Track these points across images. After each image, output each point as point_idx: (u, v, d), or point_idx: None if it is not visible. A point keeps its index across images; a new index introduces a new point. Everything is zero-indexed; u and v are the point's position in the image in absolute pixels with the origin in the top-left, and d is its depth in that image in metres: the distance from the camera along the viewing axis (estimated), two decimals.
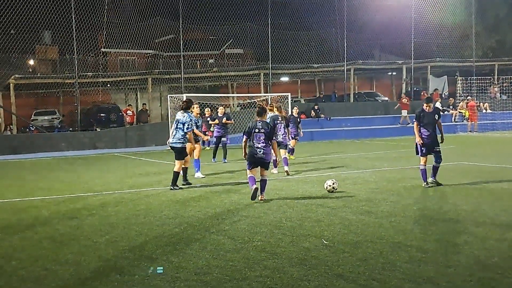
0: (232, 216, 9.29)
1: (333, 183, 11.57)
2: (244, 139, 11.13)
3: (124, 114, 31.91)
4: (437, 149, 12.22)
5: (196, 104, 14.66)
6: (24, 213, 10.23)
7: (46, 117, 35.10)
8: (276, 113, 15.14)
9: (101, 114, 33.03)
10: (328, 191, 11.48)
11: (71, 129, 31.02)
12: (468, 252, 6.79)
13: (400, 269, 6.16)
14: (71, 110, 33.02)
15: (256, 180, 10.98)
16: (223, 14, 36.12)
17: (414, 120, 12.56)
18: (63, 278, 6.22)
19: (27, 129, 30.76)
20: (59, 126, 33.08)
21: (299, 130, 20.03)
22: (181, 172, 13.42)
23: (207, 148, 25.25)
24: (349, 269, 6.20)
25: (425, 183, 12.16)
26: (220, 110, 20.53)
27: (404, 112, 33.66)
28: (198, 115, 14.68)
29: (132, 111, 32.39)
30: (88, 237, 8.11)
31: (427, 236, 7.64)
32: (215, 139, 20.32)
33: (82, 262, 6.83)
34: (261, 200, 10.75)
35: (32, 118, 34.42)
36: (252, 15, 36.15)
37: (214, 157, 19.73)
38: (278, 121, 14.76)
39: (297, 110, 21.05)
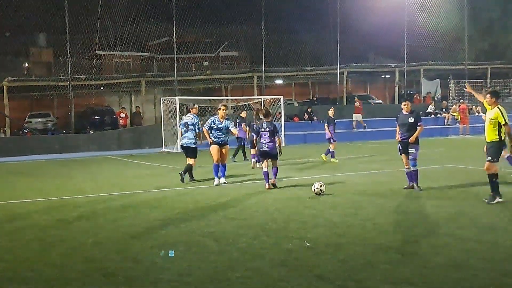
0: (219, 218, 9.42)
1: (321, 186, 11.70)
2: (254, 137, 13.84)
3: (118, 117, 31.99)
4: (410, 151, 12.09)
5: (223, 105, 14.32)
6: (15, 215, 10.35)
7: (40, 120, 35.10)
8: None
9: (95, 117, 33.13)
10: (315, 193, 11.61)
11: (64, 131, 31.09)
12: (446, 253, 6.93)
13: (378, 270, 6.31)
14: (65, 113, 33.09)
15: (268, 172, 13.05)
16: (218, 17, 36.33)
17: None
18: (48, 279, 6.34)
19: (21, 132, 30.82)
20: (53, 128, 33.13)
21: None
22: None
23: None
24: (329, 270, 6.35)
25: (410, 184, 12.22)
26: (244, 114, 21.55)
27: (357, 117, 33.13)
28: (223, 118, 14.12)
29: (125, 114, 32.48)
30: (76, 239, 8.24)
31: (408, 238, 7.79)
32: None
33: (68, 263, 6.95)
34: (272, 183, 12.92)
35: (26, 121, 34.48)
36: (247, 18, 36.34)
37: (245, 156, 20.82)
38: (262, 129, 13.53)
39: (333, 111, 20.15)
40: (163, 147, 26.70)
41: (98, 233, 8.59)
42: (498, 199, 10.20)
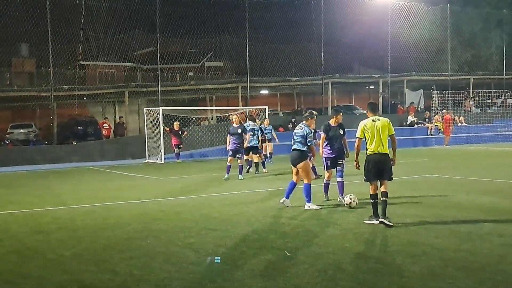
0: (200, 230, 9.38)
1: (350, 197, 11.43)
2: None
3: (101, 127, 31.82)
4: (340, 162, 12.16)
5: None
6: None
7: (22, 130, 34.79)
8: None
9: (78, 127, 32.90)
10: (350, 206, 11.24)
11: (46, 142, 30.84)
12: (424, 262, 6.96)
13: (356, 280, 6.32)
14: (47, 123, 32.85)
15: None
16: (203, 27, 36.37)
17: (321, 132, 12.52)
18: None
19: (2, 143, 30.51)
20: (35, 139, 32.85)
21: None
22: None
23: (177, 161, 25.45)
24: (307, 280, 6.34)
25: (325, 198, 12.26)
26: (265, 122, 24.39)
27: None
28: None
29: (109, 124, 32.27)
30: (54, 251, 8.16)
31: (387, 247, 7.83)
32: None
33: (45, 275, 6.89)
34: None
35: (8, 131, 34.17)
36: (232, 29, 36.43)
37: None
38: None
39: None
40: (147, 158, 26.57)
41: (77, 244, 8.52)
42: (373, 221, 9.47)
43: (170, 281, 6.46)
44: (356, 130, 10.01)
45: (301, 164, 11.33)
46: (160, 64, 31.83)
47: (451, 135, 33.56)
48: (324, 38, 36.57)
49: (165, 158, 25.77)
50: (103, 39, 33.29)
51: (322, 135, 12.34)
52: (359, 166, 10.02)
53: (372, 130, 9.61)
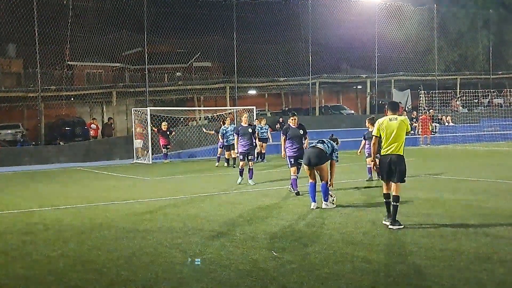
0: (187, 230, 9.38)
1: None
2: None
3: (89, 128, 31.68)
4: (300, 161, 12.79)
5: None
6: None
7: (9, 131, 34.63)
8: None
9: (66, 128, 32.74)
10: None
11: (34, 143, 30.65)
12: (410, 262, 7.01)
13: (342, 279, 6.35)
14: (35, 124, 32.65)
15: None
16: (191, 27, 36.32)
17: (282, 134, 13.38)
18: None
19: None
20: (22, 140, 32.64)
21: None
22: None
23: (165, 161, 25.40)
24: (293, 280, 6.37)
25: (295, 191, 13.21)
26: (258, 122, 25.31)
27: (138, 143, 26.97)
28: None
29: (96, 125, 32.13)
30: (41, 252, 8.12)
31: (374, 247, 7.86)
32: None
33: (31, 276, 6.87)
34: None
35: None
36: (220, 29, 36.40)
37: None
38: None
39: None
40: (135, 159, 26.49)
41: (64, 245, 8.50)
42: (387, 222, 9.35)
43: (157, 281, 6.46)
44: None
45: (323, 165, 11.35)
46: (148, 65, 31.75)
47: (429, 135, 33.70)
48: (312, 38, 36.64)
49: (153, 159, 25.69)
50: (90, 40, 33.13)
51: (282, 136, 13.26)
52: (377, 166, 9.78)
53: (387, 130, 9.37)
